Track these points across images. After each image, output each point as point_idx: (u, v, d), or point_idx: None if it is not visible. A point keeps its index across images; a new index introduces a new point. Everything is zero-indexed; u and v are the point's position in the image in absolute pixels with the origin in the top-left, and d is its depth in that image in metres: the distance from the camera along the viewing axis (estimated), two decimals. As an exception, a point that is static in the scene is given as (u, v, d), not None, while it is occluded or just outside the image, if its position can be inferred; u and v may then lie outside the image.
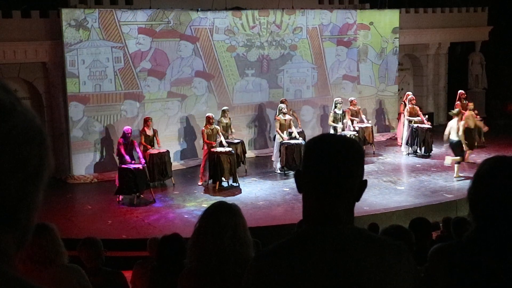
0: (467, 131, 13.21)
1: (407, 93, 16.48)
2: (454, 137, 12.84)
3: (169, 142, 14.21)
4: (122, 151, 11.92)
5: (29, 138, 0.98)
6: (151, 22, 14.48)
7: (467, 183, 2.02)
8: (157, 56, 14.59)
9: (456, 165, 12.90)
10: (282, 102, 14.38)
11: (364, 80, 17.80)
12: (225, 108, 14.00)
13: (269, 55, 16.16)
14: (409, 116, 15.25)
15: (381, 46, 17.97)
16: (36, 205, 1.03)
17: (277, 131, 13.85)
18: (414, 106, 15.42)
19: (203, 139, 12.88)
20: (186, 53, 14.99)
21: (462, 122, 13.04)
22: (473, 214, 1.99)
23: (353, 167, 1.69)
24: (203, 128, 12.84)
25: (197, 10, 15.00)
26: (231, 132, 13.98)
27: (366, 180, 1.73)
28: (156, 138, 12.86)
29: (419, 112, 15.42)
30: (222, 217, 2.77)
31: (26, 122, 0.98)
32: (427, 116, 16.08)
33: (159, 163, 12.59)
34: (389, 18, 18.02)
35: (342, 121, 14.83)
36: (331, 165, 1.67)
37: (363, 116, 15.59)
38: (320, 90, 16.98)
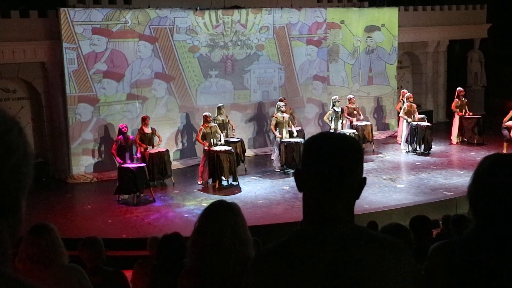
0: None
1: (403, 91, 16.48)
2: None
3: (168, 142, 14.22)
4: (113, 151, 11.92)
5: (8, 128, 1.05)
6: (107, 22, 13.89)
7: (466, 181, 2.02)
8: (114, 57, 13.99)
9: None
10: (280, 100, 14.37)
11: (336, 80, 17.26)
12: (220, 105, 14.00)
13: (234, 55, 15.59)
14: (405, 115, 15.25)
15: (353, 45, 17.46)
16: (26, 192, 1.09)
17: (271, 129, 13.87)
18: (412, 104, 15.42)
19: (197, 137, 12.91)
20: (146, 53, 14.42)
21: None
22: (473, 212, 1.99)
23: (352, 165, 1.69)
24: (201, 126, 12.85)
25: (196, 9, 14.97)
26: (233, 130, 13.98)
27: (365, 178, 1.73)
28: (156, 136, 12.87)
29: (415, 111, 15.41)
30: (222, 216, 2.77)
31: (2, 112, 1.06)
32: (424, 117, 16.09)
33: (159, 162, 12.59)
34: (389, 16, 17.93)
35: (342, 119, 14.82)
36: (330, 164, 1.67)
37: (361, 115, 15.59)
38: (288, 91, 16.40)
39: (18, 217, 1.08)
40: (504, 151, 13.42)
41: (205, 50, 15.21)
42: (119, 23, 14.00)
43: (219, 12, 15.24)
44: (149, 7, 14.46)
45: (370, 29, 17.67)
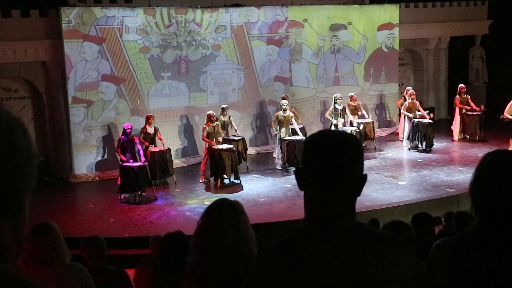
0: None
1: (407, 88, 16.44)
2: None
3: (170, 140, 14.22)
4: (117, 149, 11.98)
5: (12, 127, 1.06)
6: None
7: (468, 178, 2.02)
8: None
9: None
10: (283, 98, 14.38)
11: (299, 81, 16.58)
12: (224, 105, 14.00)
13: (188, 56, 14.84)
14: (406, 111, 15.23)
15: (317, 45, 16.71)
16: (29, 193, 1.09)
17: (271, 124, 13.88)
18: (414, 101, 15.40)
19: (202, 137, 12.90)
20: (91, 55, 13.65)
21: None
22: (474, 209, 1.99)
23: (352, 162, 1.69)
24: (204, 125, 12.85)
25: (197, 7, 14.95)
26: (235, 129, 13.99)
27: (366, 175, 1.74)
28: (158, 136, 12.87)
29: (420, 107, 15.40)
30: (225, 214, 2.77)
31: (6, 113, 1.07)
32: (428, 111, 16.06)
33: (160, 161, 12.60)
34: (389, 13, 17.75)
35: (343, 116, 14.80)
36: (330, 161, 1.68)
37: (364, 111, 15.56)
38: (249, 93, 15.73)
39: (21, 217, 1.08)
40: (510, 148, 13.37)
41: (157, 50, 14.44)
42: (63, 23, 13.30)
43: (172, 10, 14.52)
44: (149, 6, 14.45)
45: (335, 27, 16.97)
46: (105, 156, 13.99)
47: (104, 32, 13.79)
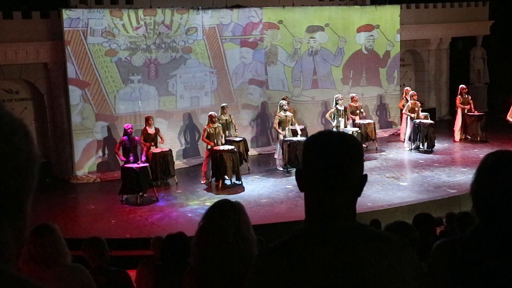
0: None
1: (406, 88, 16.41)
2: None
3: (171, 141, 14.22)
4: (117, 150, 11.99)
5: (14, 129, 1.06)
6: None
7: (470, 178, 2.02)
8: None
9: None
10: (283, 99, 14.37)
11: (275, 84, 16.17)
12: (224, 104, 13.99)
13: (158, 58, 14.44)
14: (409, 112, 15.23)
15: (293, 47, 16.33)
16: (30, 195, 1.09)
17: (275, 127, 13.86)
18: (416, 101, 15.39)
19: (202, 137, 12.91)
20: None
21: None
22: (476, 209, 1.99)
23: (352, 163, 1.70)
24: (205, 127, 12.85)
25: (198, 9, 14.95)
26: (235, 129, 13.99)
27: (366, 175, 1.74)
28: (159, 136, 12.88)
29: (419, 110, 15.39)
30: (226, 215, 2.77)
31: (8, 114, 1.07)
32: (427, 114, 16.06)
33: (162, 162, 12.60)
34: (390, 14, 17.67)
35: (344, 117, 14.79)
36: (331, 161, 1.68)
37: (363, 113, 15.57)
38: (221, 96, 15.23)
39: (22, 218, 1.08)
40: None
41: (125, 53, 14.02)
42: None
43: (140, 12, 14.10)
44: (150, 7, 14.45)
45: (312, 29, 16.55)
46: (106, 157, 14.00)
47: (69, 34, 13.44)
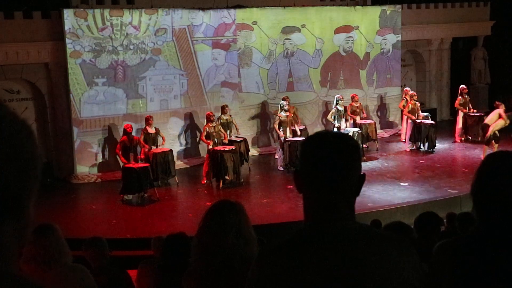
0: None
1: (406, 89, 16.38)
2: None
3: (172, 141, 14.22)
4: (118, 151, 12.03)
5: (17, 129, 1.05)
6: None
7: (471, 179, 2.02)
8: None
9: None
10: (283, 99, 14.37)
11: (249, 87, 15.69)
12: (224, 104, 13.97)
13: (126, 60, 13.96)
14: (409, 113, 15.23)
15: (268, 48, 15.84)
16: (33, 196, 1.08)
17: (274, 128, 13.86)
18: (416, 102, 15.39)
19: (201, 137, 12.91)
20: None
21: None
22: (476, 210, 1.99)
23: (351, 162, 1.70)
24: (205, 126, 12.86)
25: (198, 10, 14.93)
26: (236, 129, 13.99)
27: (364, 174, 1.74)
28: (160, 136, 12.89)
29: (418, 111, 15.38)
30: (226, 215, 2.77)
31: (12, 114, 1.07)
32: (428, 114, 16.05)
33: (163, 162, 12.60)
34: (369, 15, 17.13)
35: (345, 117, 14.78)
36: (328, 162, 1.68)
37: (364, 113, 15.56)
38: (193, 99, 14.91)
39: (25, 220, 1.07)
40: (482, 156, 13.45)
41: (89, 55, 13.58)
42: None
43: (106, 12, 13.66)
44: (152, 7, 14.44)
45: (288, 30, 16.06)
46: (107, 157, 14.01)
47: None
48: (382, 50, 17.73)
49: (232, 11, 15.26)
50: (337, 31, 16.92)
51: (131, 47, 14.04)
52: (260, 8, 15.70)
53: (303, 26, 16.30)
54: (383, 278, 1.62)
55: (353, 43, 17.20)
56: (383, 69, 17.84)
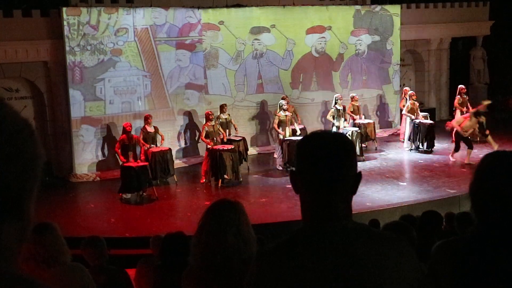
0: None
1: (405, 88, 16.36)
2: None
3: (171, 140, 14.21)
4: (117, 149, 12.04)
5: (19, 129, 1.05)
6: None
7: (469, 178, 2.02)
8: None
9: None
10: (283, 98, 14.36)
11: (215, 89, 15.22)
12: (223, 103, 13.97)
13: (83, 61, 13.49)
14: (409, 112, 15.23)
15: (236, 49, 15.37)
16: (34, 195, 1.07)
17: (274, 127, 13.86)
18: (415, 102, 15.40)
19: (201, 136, 12.91)
20: None
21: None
22: (475, 210, 1.99)
23: (345, 161, 1.71)
24: (204, 125, 12.86)
25: (198, 8, 14.90)
26: (235, 129, 13.98)
27: (360, 173, 1.75)
28: (159, 134, 12.88)
29: (417, 110, 15.38)
30: (225, 214, 2.77)
31: (14, 114, 1.06)
32: (427, 114, 16.05)
33: (161, 161, 12.60)
34: (342, 15, 16.67)
35: (344, 117, 14.78)
36: (324, 161, 1.69)
37: (361, 113, 15.57)
38: (156, 101, 14.43)
39: (25, 220, 1.07)
40: (466, 161, 13.60)
41: None
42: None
43: (63, 11, 13.22)
44: (151, 6, 14.42)
45: (256, 30, 15.59)
46: (106, 156, 14.00)
47: None
48: (357, 51, 17.27)
49: (197, 10, 14.77)
50: (309, 31, 16.44)
51: (89, 47, 13.56)
52: (228, 8, 15.23)
53: (273, 26, 15.81)
54: (382, 278, 1.62)
55: (325, 43, 16.73)
56: (358, 70, 17.40)
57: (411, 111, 15.24)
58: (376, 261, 1.63)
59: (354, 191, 1.74)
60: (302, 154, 1.75)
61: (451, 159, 14.01)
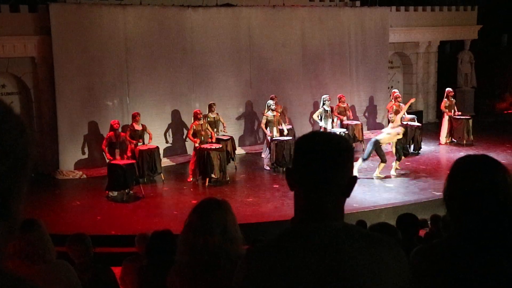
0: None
1: (394, 90, 16.42)
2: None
3: (158, 138, 14.15)
4: (104, 146, 11.99)
5: (10, 127, 1.02)
6: None
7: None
8: None
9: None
10: (271, 98, 14.35)
11: None
12: (211, 102, 13.94)
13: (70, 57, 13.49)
14: (394, 114, 15.24)
15: (226, 48, 15.35)
16: (23, 194, 1.05)
17: (262, 127, 13.86)
18: (400, 104, 15.43)
19: (188, 135, 12.87)
20: None
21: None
22: (450, 214, 2.01)
23: (339, 163, 1.71)
24: (192, 124, 12.82)
25: (188, 7, 14.87)
26: (223, 127, 13.96)
27: (355, 176, 1.75)
28: (147, 132, 12.83)
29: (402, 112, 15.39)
30: (212, 213, 2.76)
31: (5, 112, 1.03)
32: (414, 117, 16.11)
33: (149, 159, 12.55)
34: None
35: (332, 118, 14.80)
36: (320, 161, 1.69)
37: (350, 113, 15.58)
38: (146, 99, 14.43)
39: (12, 219, 1.04)
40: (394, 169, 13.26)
41: None
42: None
43: (51, 7, 13.15)
44: (140, 4, 14.36)
45: (246, 30, 15.55)
46: (93, 153, 13.92)
47: None
48: (346, 52, 17.21)
49: (187, 9, 14.61)
50: (299, 32, 16.32)
51: (76, 43, 13.49)
52: (217, 8, 15.12)
53: (262, 26, 15.70)
54: (371, 279, 1.63)
55: (315, 44, 16.52)
56: (347, 72, 17.33)
57: (396, 112, 15.24)
58: (365, 262, 1.63)
59: (347, 193, 1.74)
60: (297, 152, 1.76)
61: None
